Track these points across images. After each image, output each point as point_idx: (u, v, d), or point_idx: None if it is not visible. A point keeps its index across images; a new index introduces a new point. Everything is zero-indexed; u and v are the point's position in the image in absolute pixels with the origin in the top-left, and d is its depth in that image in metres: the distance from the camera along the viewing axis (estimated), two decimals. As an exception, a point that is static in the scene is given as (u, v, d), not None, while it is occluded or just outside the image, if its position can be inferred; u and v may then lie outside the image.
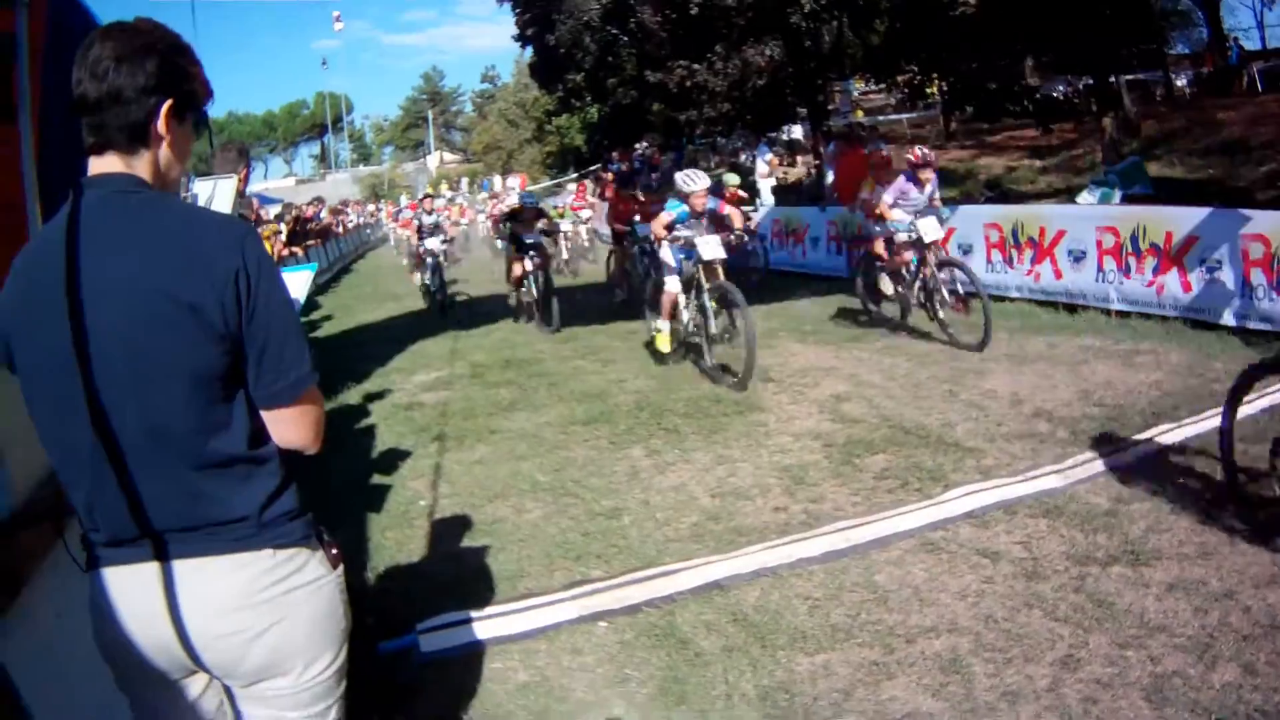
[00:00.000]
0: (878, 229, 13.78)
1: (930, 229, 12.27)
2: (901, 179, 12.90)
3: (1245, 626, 4.83)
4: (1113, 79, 25.38)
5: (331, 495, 7.82)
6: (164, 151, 2.55)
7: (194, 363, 2.40)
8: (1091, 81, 28.03)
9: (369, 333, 18.54)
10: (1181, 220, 12.05)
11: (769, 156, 28.45)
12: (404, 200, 50.09)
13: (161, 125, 2.50)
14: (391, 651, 5.42)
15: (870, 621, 5.31)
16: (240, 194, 7.35)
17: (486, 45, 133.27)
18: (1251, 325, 10.91)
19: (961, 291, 12.19)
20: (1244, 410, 7.60)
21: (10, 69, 5.45)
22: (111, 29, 2.47)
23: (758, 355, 10.64)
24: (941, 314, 12.30)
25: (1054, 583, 5.53)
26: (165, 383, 2.40)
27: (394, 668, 5.25)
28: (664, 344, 12.30)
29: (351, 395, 12.18)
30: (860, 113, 45.63)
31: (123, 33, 2.46)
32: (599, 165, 46.75)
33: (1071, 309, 13.47)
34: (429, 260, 20.67)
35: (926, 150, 13.15)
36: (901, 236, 12.66)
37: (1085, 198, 17.02)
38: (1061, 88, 34.15)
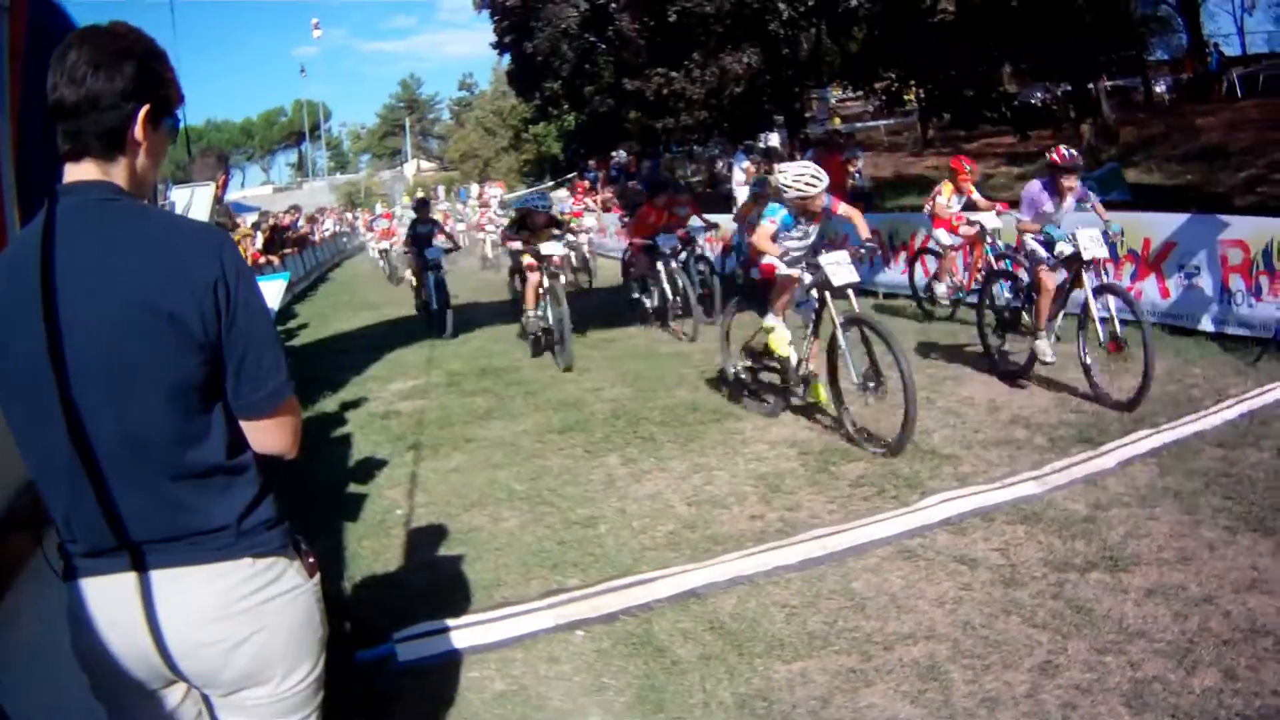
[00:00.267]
0: (947, 240, 14.08)
1: (1091, 243, 9.24)
2: (1036, 186, 9.88)
3: (1225, 631, 4.84)
4: (1091, 85, 25.50)
5: (308, 504, 7.76)
6: (140, 158, 2.52)
7: (172, 373, 2.39)
8: (1070, 88, 28.17)
9: (346, 341, 18.47)
10: (1160, 226, 12.12)
11: (746, 164, 28.44)
12: (379, 208, 49.72)
13: (139, 131, 2.47)
14: (369, 660, 5.39)
15: (848, 629, 5.30)
16: (218, 200, 7.31)
17: (465, 52, 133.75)
18: (1230, 330, 10.96)
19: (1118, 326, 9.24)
20: (1224, 414, 7.68)
21: None
22: (87, 33, 2.44)
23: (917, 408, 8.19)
24: (1089, 358, 9.44)
25: (1032, 589, 5.53)
26: (143, 393, 2.38)
27: (371, 677, 5.22)
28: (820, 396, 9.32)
29: (328, 404, 12.12)
30: (838, 120, 45.79)
31: (99, 37, 2.44)
32: (575, 174, 46.77)
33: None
34: (431, 275, 18.12)
35: (1073, 152, 9.86)
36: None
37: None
38: (1040, 94, 34.37)
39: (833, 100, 51.98)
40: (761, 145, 35.83)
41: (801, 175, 8.95)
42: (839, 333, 8.63)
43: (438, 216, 27.81)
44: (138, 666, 2.50)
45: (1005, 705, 4.42)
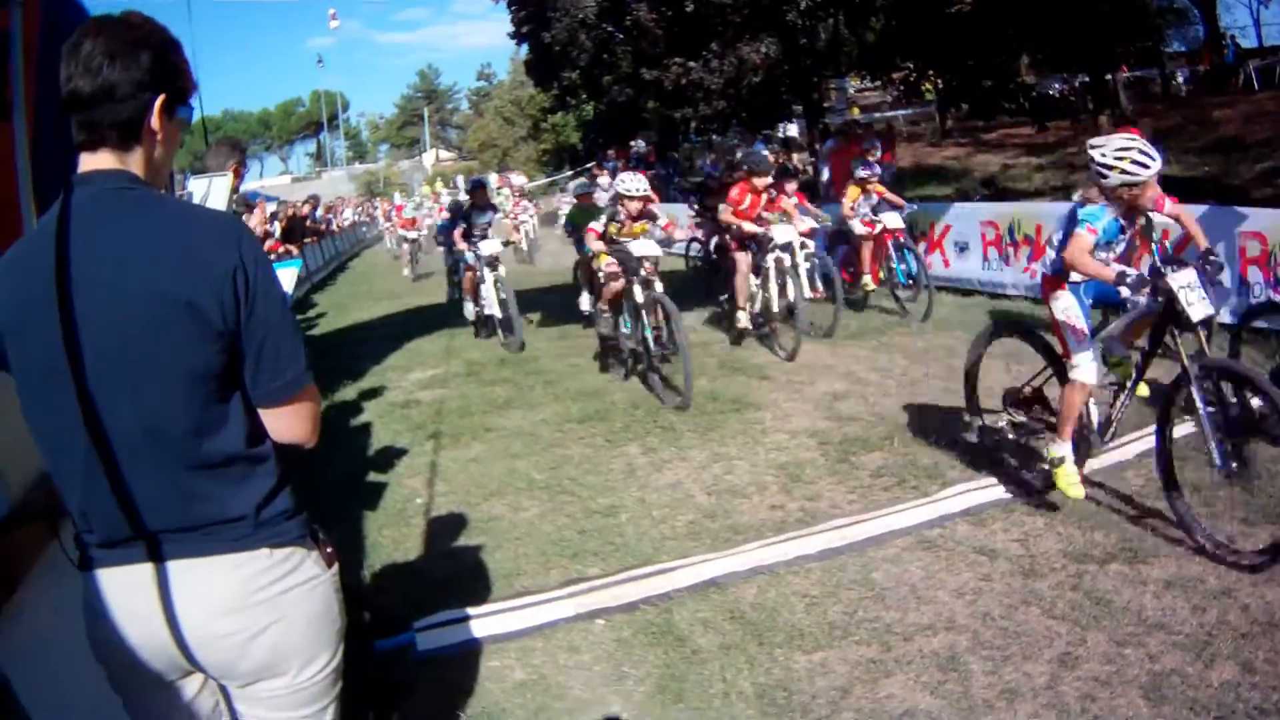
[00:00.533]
0: None
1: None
2: None
3: (1243, 624, 4.85)
4: (1109, 77, 25.39)
5: (328, 493, 7.82)
6: (156, 147, 2.53)
7: (190, 361, 2.38)
8: (1088, 79, 28.06)
9: (365, 331, 18.48)
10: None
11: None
12: (397, 198, 49.08)
13: (155, 121, 2.47)
14: (388, 650, 5.43)
15: (868, 619, 5.32)
16: (235, 190, 7.30)
17: (482, 43, 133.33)
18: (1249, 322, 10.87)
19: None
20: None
21: (4, 68, 5.45)
22: (101, 23, 2.43)
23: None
24: None
25: (1051, 580, 5.53)
26: (161, 382, 2.37)
27: (391, 666, 5.25)
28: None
29: (347, 393, 12.15)
30: (856, 110, 45.61)
31: (114, 27, 2.43)
32: (593, 163, 46.68)
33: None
34: (488, 274, 14.83)
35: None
36: None
37: (1081, 195, 16.98)
38: (1058, 85, 34.18)
39: (851, 90, 51.87)
40: (780, 135, 35.76)
41: (1126, 151, 6.07)
42: (1195, 390, 5.96)
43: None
44: (155, 657, 2.50)
45: (1024, 697, 4.43)
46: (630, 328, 11.20)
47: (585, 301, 14.70)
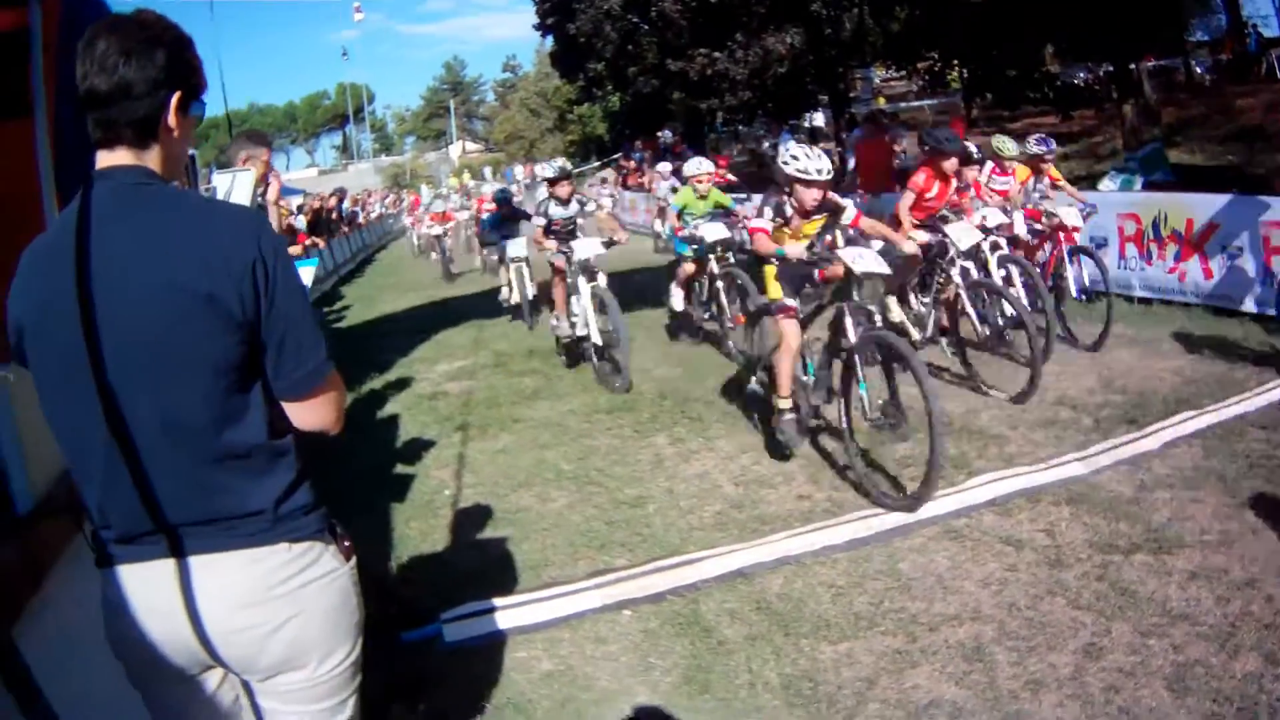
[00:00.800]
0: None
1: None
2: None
3: (1267, 615, 4.83)
4: (1133, 66, 25.23)
5: (355, 486, 7.88)
6: (172, 144, 2.57)
7: (212, 354, 2.40)
8: (1112, 68, 27.90)
9: (392, 323, 18.52)
10: (1202, 207, 11.97)
11: (791, 144, 28.39)
12: (425, 192, 48.04)
13: (171, 118, 2.51)
14: (415, 641, 5.46)
15: (893, 609, 5.33)
16: (263, 179, 7.28)
17: (507, 35, 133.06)
18: (1272, 312, 10.84)
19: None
20: (1267, 397, 7.63)
21: (24, 64, 5.50)
22: (115, 22, 2.46)
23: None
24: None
25: (1077, 571, 5.53)
26: (182, 375, 2.39)
27: (418, 657, 5.28)
28: None
29: (375, 385, 12.21)
30: (882, 100, 45.51)
31: (127, 26, 2.45)
32: (620, 154, 46.66)
33: (1092, 296, 13.30)
34: (582, 283, 11.22)
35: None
36: None
37: (1107, 184, 16.93)
38: (1082, 74, 33.98)
39: (876, 80, 51.73)
40: (806, 125, 35.75)
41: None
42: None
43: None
44: (176, 653, 2.51)
45: (1049, 687, 4.44)
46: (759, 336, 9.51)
47: (676, 299, 12.78)
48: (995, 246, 10.20)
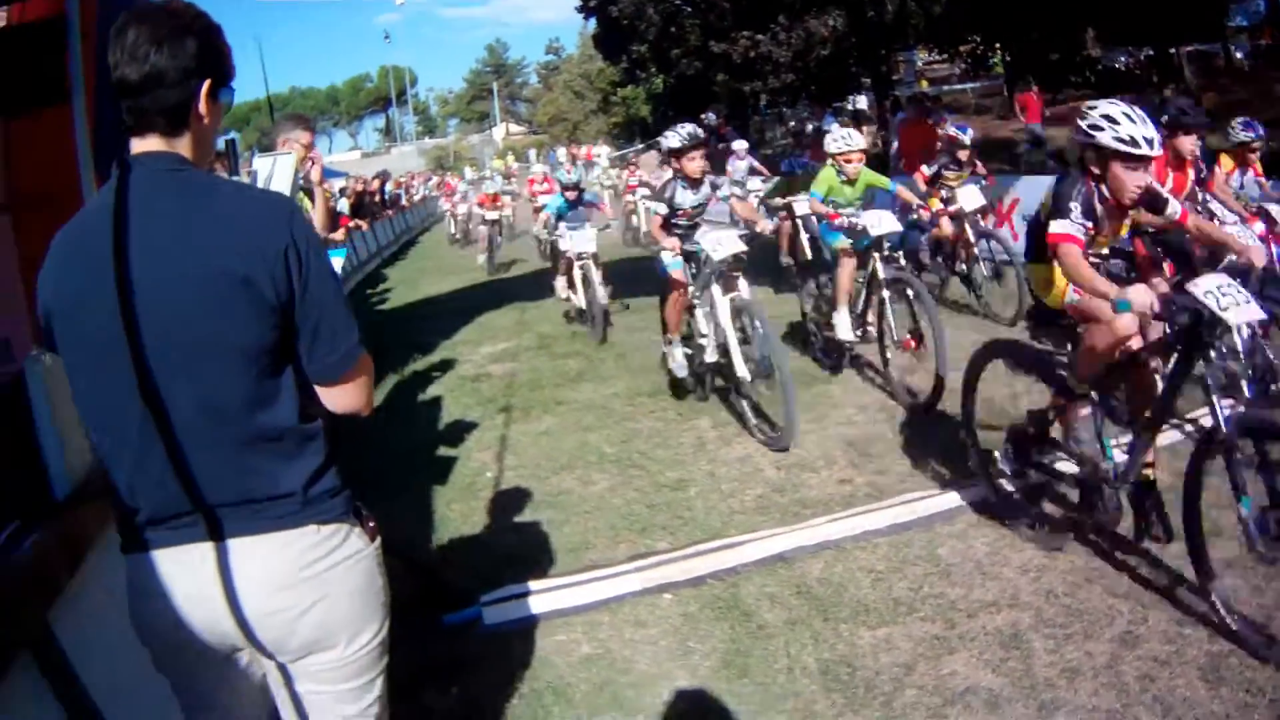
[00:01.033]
0: None
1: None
2: None
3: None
4: (1173, 50, 25.03)
5: (396, 467, 7.95)
6: (202, 130, 2.60)
7: (246, 337, 2.44)
8: (1152, 52, 27.70)
9: (435, 305, 18.62)
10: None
11: (834, 127, 28.28)
12: (469, 173, 47.46)
13: (202, 105, 2.54)
14: (456, 623, 5.50)
15: (932, 595, 5.35)
16: (305, 161, 7.24)
17: (550, 17, 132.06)
18: (1322, 298, 10.72)
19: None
20: None
21: (62, 52, 5.57)
22: (144, 10, 2.48)
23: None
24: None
25: (1114, 558, 5.53)
26: (218, 358, 2.43)
27: (455, 640, 5.32)
28: None
29: (418, 367, 12.31)
30: (925, 83, 45.28)
31: (157, 14, 2.48)
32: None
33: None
34: (716, 295, 8.57)
35: None
36: None
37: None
38: (1123, 58, 33.74)
39: (919, 63, 51.46)
40: (850, 108, 35.57)
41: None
42: None
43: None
44: (208, 636, 2.55)
45: (1085, 675, 4.45)
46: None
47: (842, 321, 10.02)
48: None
